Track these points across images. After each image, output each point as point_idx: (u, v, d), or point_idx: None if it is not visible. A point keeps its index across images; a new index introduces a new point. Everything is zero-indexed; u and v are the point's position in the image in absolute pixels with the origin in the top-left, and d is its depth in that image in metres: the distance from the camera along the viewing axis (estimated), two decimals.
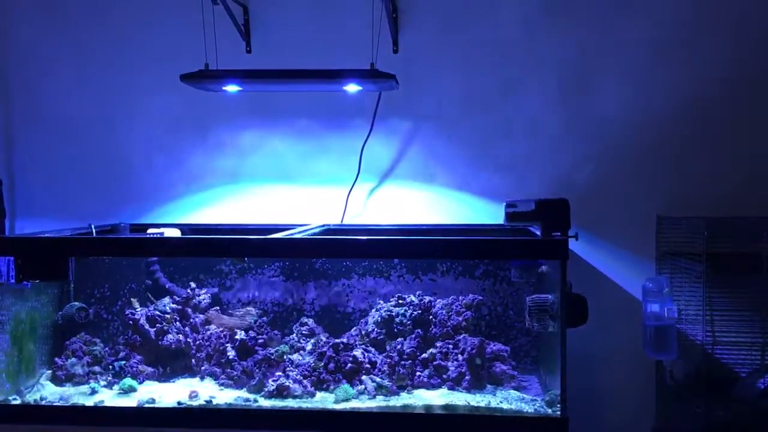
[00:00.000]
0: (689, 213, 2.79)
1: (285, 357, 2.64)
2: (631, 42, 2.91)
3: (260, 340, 2.71)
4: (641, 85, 2.92)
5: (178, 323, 2.80)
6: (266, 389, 2.49)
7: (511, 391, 2.53)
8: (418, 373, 2.57)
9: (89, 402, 2.47)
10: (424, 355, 2.62)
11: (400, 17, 3.01)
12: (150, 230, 2.87)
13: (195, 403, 2.45)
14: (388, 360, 2.60)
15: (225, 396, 2.50)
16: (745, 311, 2.62)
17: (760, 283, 2.57)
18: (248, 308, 2.91)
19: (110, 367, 2.66)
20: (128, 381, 2.57)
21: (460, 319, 2.70)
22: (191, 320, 2.83)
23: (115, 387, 2.57)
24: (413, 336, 2.68)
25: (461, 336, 2.65)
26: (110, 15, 3.13)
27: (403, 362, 2.59)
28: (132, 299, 2.87)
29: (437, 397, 2.45)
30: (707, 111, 2.90)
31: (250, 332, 2.75)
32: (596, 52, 2.93)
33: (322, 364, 2.58)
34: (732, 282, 2.59)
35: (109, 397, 2.50)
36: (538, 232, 2.35)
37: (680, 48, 2.90)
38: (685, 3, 2.89)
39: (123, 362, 2.66)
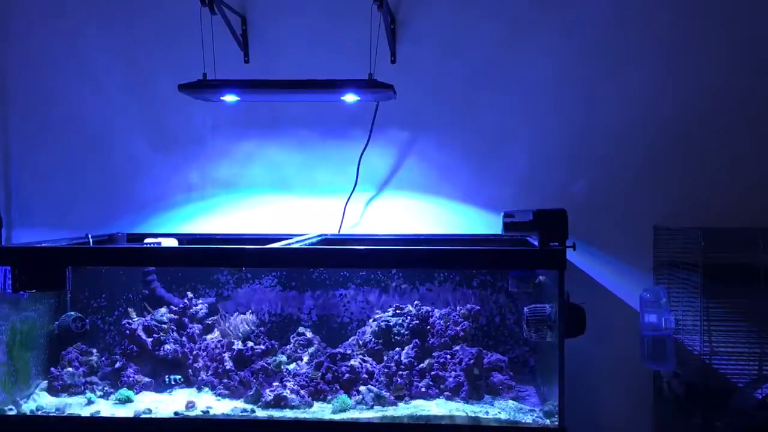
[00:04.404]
0: (686, 223, 2.80)
1: (282, 367, 2.64)
2: (629, 57, 2.93)
3: (257, 350, 2.71)
4: (639, 97, 2.93)
5: (175, 333, 2.79)
6: (263, 399, 2.48)
7: (509, 402, 2.52)
8: (415, 384, 2.56)
9: (85, 412, 2.46)
10: (422, 365, 2.62)
11: (398, 28, 3.02)
12: (147, 240, 2.86)
13: (192, 413, 2.44)
14: (386, 370, 2.59)
15: (222, 406, 2.49)
16: (743, 322, 2.62)
17: (757, 293, 2.57)
18: (246, 316, 2.90)
19: (166, 380, 2.65)
20: (125, 391, 2.56)
21: (458, 329, 2.70)
22: (188, 330, 2.82)
23: (112, 397, 2.56)
24: (411, 346, 2.67)
25: (459, 346, 2.64)
26: (109, 25, 3.13)
27: (400, 372, 2.58)
28: (129, 309, 2.86)
29: (435, 408, 2.44)
30: (704, 121, 2.91)
31: (247, 342, 2.75)
32: (595, 66, 2.95)
33: (320, 374, 2.57)
34: (729, 292, 2.59)
35: (105, 408, 2.49)
36: (536, 243, 2.36)
37: (677, 61, 2.91)
38: (678, 11, 2.91)
39: (179, 377, 2.66)
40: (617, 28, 2.94)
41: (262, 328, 2.87)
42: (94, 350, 2.77)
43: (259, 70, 3.06)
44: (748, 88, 2.89)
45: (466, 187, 3.03)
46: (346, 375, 2.56)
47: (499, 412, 2.41)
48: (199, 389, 2.65)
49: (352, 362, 2.60)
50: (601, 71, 2.94)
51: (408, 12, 3.02)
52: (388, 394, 2.49)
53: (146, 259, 2.60)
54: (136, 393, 2.60)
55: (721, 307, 2.62)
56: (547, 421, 2.33)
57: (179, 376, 2.66)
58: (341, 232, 3.06)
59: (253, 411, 2.44)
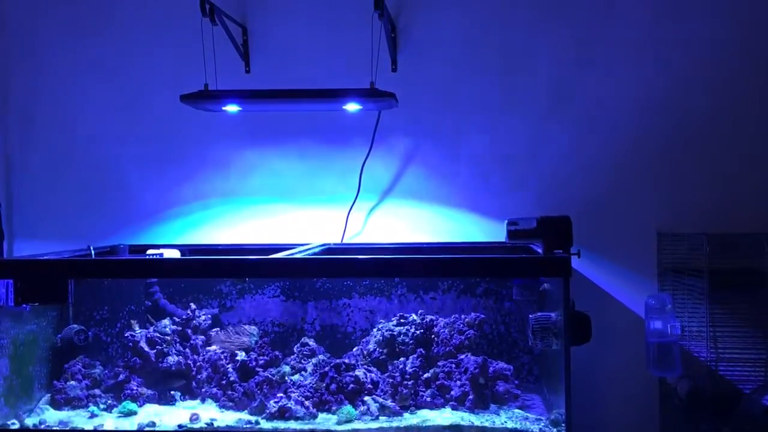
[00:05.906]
0: (690, 229, 2.79)
1: (286, 378, 2.62)
2: (630, 59, 2.93)
3: (261, 361, 2.69)
4: (641, 101, 2.93)
5: (178, 345, 2.77)
6: (268, 411, 2.46)
7: (515, 410, 2.51)
8: (421, 393, 2.55)
9: (89, 426, 2.44)
10: (427, 375, 2.61)
11: (398, 36, 3.02)
12: (149, 251, 2.84)
13: (196, 425, 2.42)
14: (391, 380, 2.58)
15: (226, 418, 2.47)
16: (749, 327, 2.62)
17: (763, 299, 2.57)
18: (249, 327, 2.89)
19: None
20: (128, 404, 2.55)
21: (463, 337, 2.69)
22: (191, 341, 2.81)
23: (115, 410, 2.54)
24: (415, 355, 2.66)
25: (464, 355, 2.63)
26: (111, 36, 3.13)
27: (405, 382, 2.57)
28: (131, 321, 2.85)
29: (441, 417, 2.43)
30: (707, 126, 2.90)
31: (251, 353, 2.73)
32: (595, 68, 2.94)
33: (324, 384, 2.56)
34: (735, 298, 2.59)
35: (108, 421, 2.48)
36: (540, 250, 2.35)
37: (679, 65, 2.91)
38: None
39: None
40: (616, 29, 2.94)
41: (265, 339, 2.86)
42: (98, 363, 2.75)
43: (260, 80, 3.06)
44: (752, 91, 2.88)
45: (468, 194, 3.02)
46: (351, 385, 2.54)
47: (506, 422, 2.39)
48: (203, 401, 2.63)
49: (356, 372, 2.58)
50: (602, 74, 2.94)
51: (408, 20, 3.02)
52: (393, 404, 2.48)
53: (148, 271, 2.59)
54: (140, 405, 2.58)
55: (727, 313, 2.62)
56: (554, 430, 2.31)
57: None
58: (344, 242, 3.05)
59: (257, 422, 2.43)
